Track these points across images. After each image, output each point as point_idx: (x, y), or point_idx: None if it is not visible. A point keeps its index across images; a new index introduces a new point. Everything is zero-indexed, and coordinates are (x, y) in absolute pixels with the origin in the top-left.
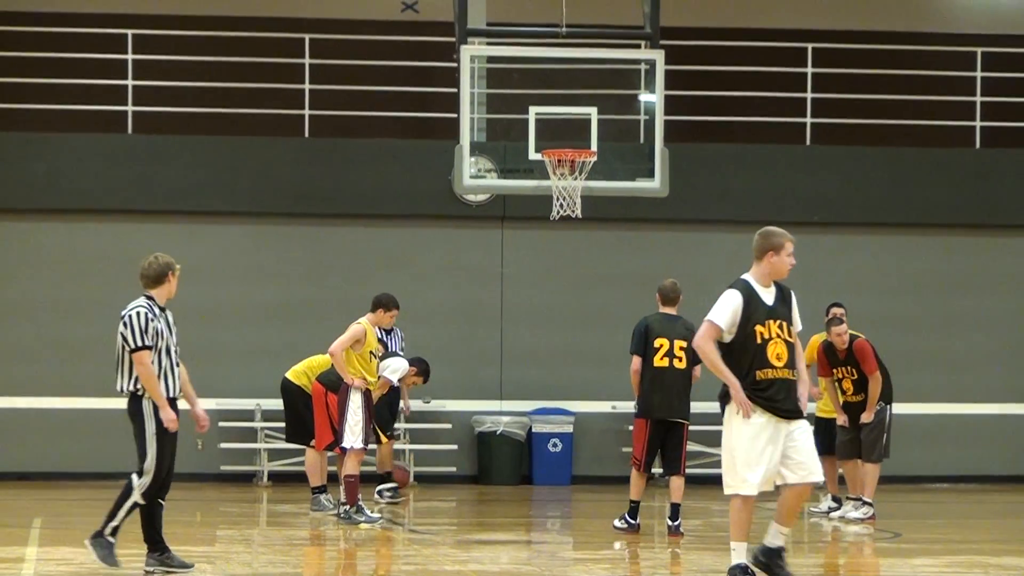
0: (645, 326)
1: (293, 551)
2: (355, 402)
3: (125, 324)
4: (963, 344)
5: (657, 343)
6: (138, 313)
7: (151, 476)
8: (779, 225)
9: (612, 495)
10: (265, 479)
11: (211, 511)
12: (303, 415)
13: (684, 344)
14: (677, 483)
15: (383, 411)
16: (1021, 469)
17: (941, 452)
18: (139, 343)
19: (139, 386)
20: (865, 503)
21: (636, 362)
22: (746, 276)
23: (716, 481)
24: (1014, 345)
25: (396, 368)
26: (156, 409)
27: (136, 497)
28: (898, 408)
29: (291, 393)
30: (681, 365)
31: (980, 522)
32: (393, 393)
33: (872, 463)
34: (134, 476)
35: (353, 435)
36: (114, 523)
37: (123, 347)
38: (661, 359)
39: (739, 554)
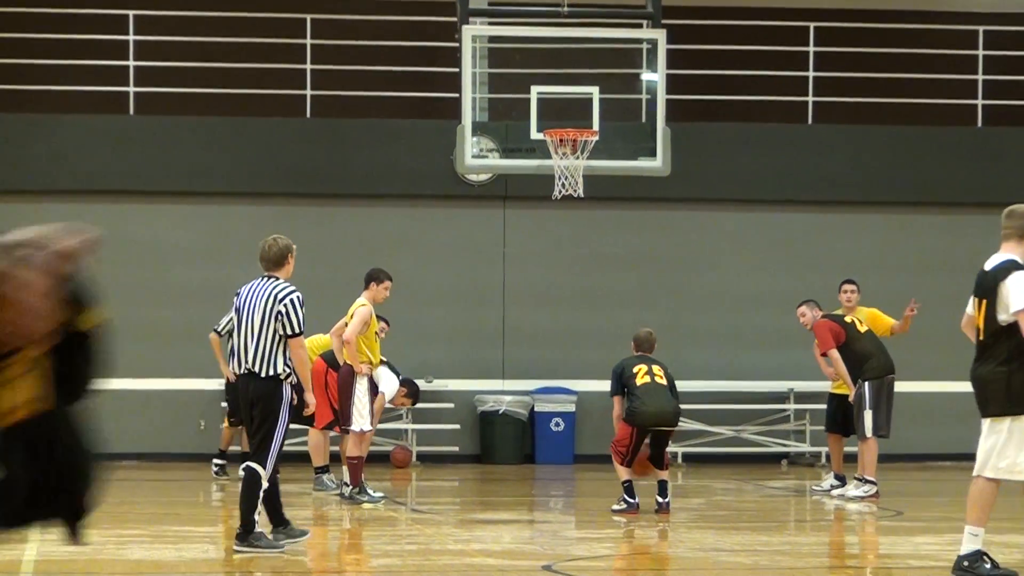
0: (621, 367)
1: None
2: (361, 386)
3: (287, 307)
4: None
5: (635, 370)
6: (300, 297)
7: (274, 462)
8: (781, 204)
9: (614, 474)
10: None
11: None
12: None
13: (661, 371)
14: (662, 473)
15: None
16: None
17: (944, 430)
18: (301, 328)
19: (286, 369)
20: (867, 481)
21: (617, 406)
22: (1013, 256)
23: (717, 460)
24: None
25: (385, 390)
26: (291, 394)
27: (265, 484)
28: (901, 386)
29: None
30: (663, 381)
31: None
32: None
33: (862, 440)
34: (255, 466)
35: (362, 417)
36: (256, 516)
37: (272, 328)
38: (643, 378)
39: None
